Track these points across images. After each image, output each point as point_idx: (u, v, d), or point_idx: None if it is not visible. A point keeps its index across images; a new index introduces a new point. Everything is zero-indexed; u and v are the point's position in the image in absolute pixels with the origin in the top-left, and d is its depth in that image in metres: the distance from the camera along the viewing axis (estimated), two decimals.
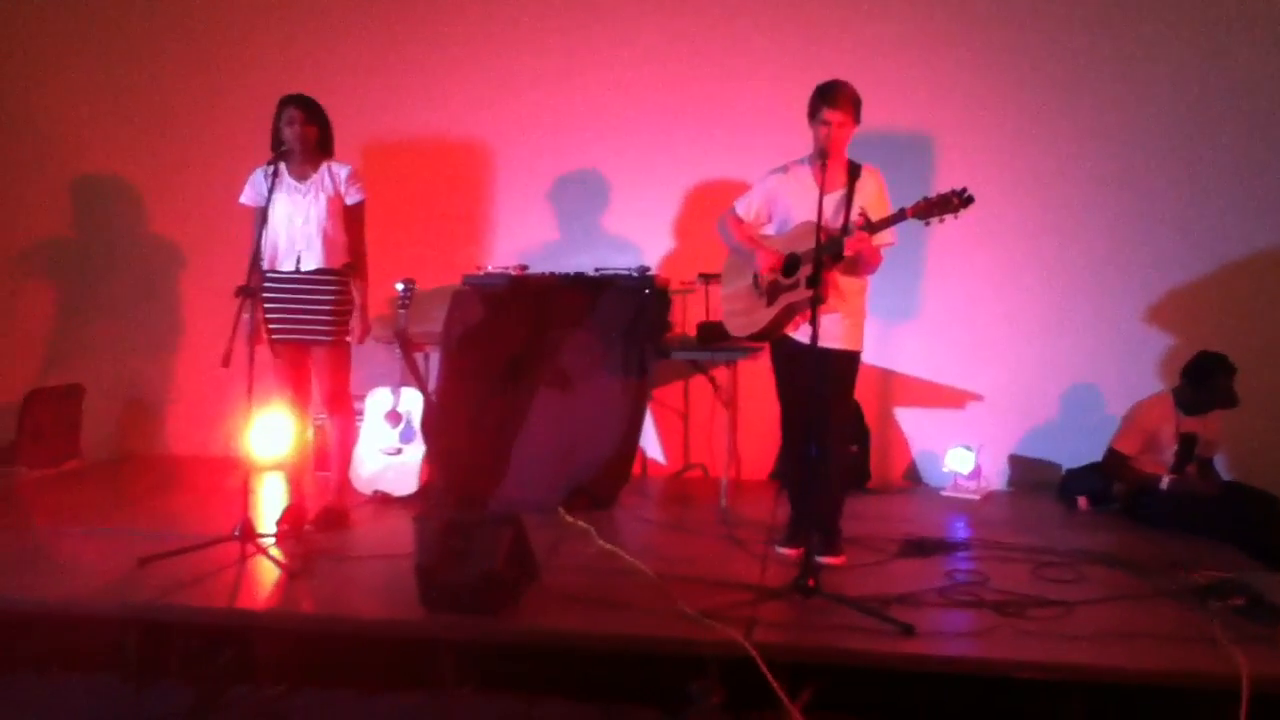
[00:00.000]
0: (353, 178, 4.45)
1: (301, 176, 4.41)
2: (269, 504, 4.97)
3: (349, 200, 4.44)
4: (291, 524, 4.42)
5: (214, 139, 6.04)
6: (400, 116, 6.07)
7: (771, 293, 4.10)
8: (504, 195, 6.10)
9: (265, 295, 4.32)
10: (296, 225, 4.35)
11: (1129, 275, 5.61)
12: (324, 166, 4.43)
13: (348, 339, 4.45)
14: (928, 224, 3.68)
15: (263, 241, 4.26)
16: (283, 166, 4.38)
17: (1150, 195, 5.57)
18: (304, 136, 4.33)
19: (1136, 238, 5.59)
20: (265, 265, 4.34)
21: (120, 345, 6.32)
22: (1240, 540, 4.54)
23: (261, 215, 4.25)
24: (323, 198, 4.37)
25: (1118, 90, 5.56)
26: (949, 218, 3.63)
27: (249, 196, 4.41)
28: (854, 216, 3.89)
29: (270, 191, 4.23)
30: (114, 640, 3.41)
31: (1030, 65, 5.62)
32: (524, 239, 5.99)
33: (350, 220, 4.46)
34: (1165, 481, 4.89)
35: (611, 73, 5.91)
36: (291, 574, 3.83)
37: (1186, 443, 4.94)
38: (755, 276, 4.16)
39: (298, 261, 4.36)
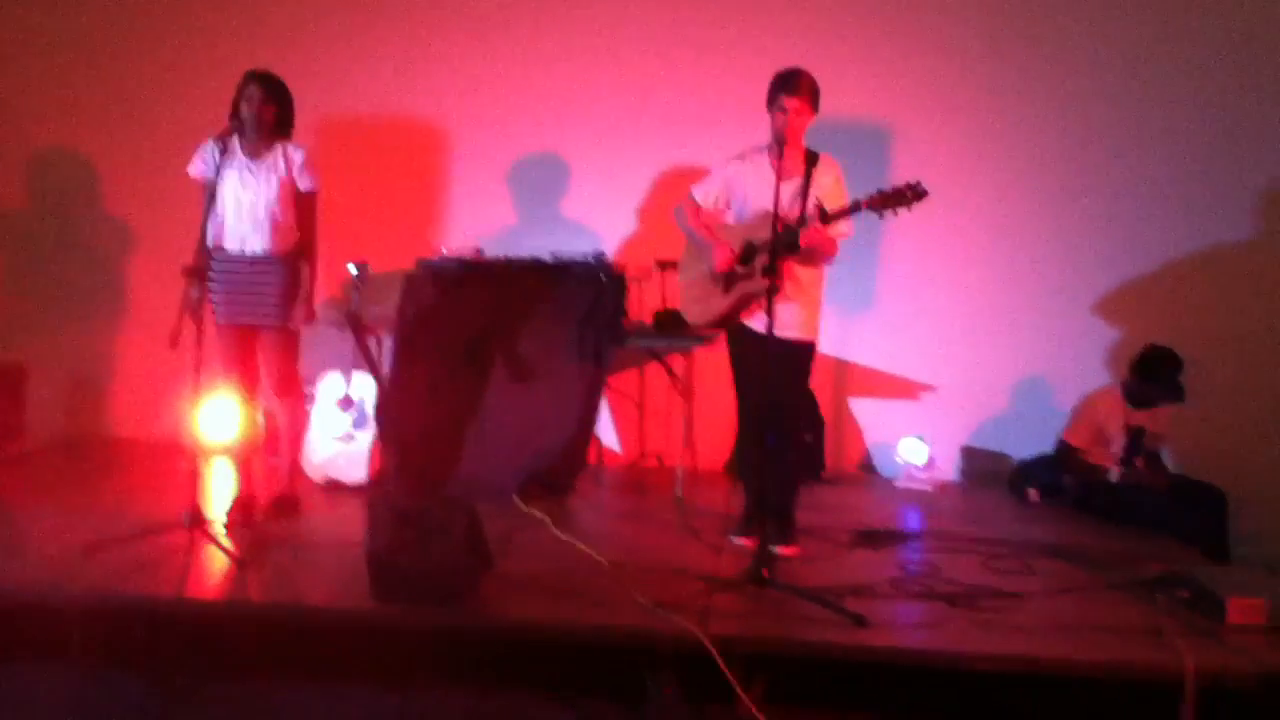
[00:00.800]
0: (308, 164, 4.32)
1: (254, 155, 4.27)
2: (218, 489, 4.88)
3: (302, 186, 4.31)
4: (242, 512, 4.33)
5: (170, 117, 5.81)
6: (357, 95, 5.95)
7: (728, 281, 4.09)
8: (461, 178, 6.02)
9: (211, 276, 4.18)
10: (245, 205, 4.22)
11: (1079, 270, 5.69)
12: (279, 147, 4.30)
13: (291, 326, 4.33)
14: (882, 216, 3.69)
15: (209, 219, 4.15)
16: (236, 142, 4.25)
17: (1100, 193, 5.65)
18: (260, 115, 4.20)
19: (1087, 234, 5.67)
20: (210, 243, 4.19)
21: (66, 324, 6.14)
22: (1186, 533, 4.63)
23: (211, 191, 4.12)
24: (275, 179, 4.25)
25: (1071, 90, 5.62)
26: (903, 210, 3.65)
27: (197, 169, 4.26)
28: (810, 208, 3.90)
29: (221, 167, 4.11)
30: (62, 630, 3.31)
31: (996, 61, 5.65)
32: (481, 223, 5.89)
33: (301, 206, 4.34)
34: (1114, 474, 4.96)
35: (571, 58, 5.85)
36: (241, 563, 3.76)
37: (1134, 436, 5.01)
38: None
39: (243, 243, 4.25)
